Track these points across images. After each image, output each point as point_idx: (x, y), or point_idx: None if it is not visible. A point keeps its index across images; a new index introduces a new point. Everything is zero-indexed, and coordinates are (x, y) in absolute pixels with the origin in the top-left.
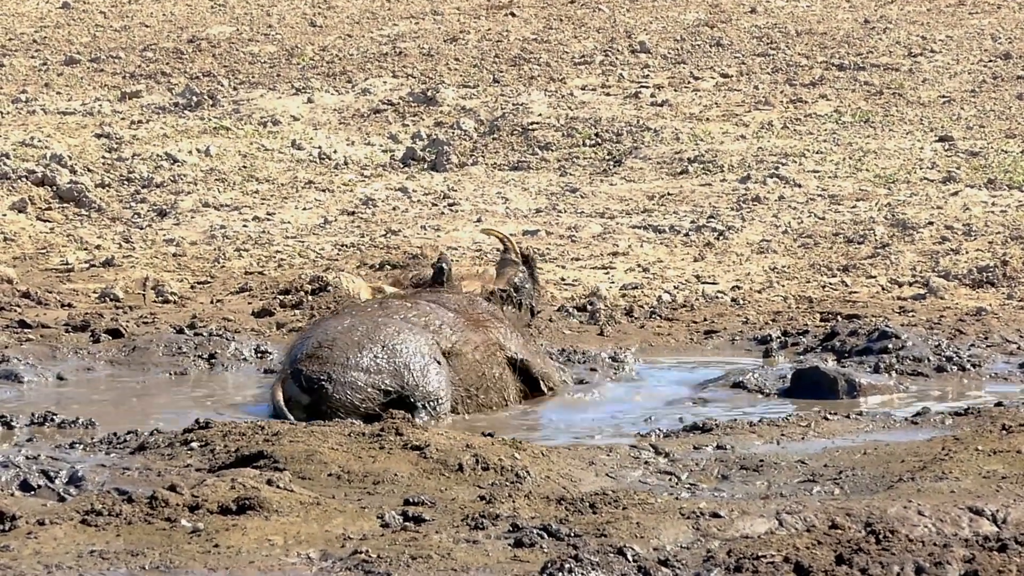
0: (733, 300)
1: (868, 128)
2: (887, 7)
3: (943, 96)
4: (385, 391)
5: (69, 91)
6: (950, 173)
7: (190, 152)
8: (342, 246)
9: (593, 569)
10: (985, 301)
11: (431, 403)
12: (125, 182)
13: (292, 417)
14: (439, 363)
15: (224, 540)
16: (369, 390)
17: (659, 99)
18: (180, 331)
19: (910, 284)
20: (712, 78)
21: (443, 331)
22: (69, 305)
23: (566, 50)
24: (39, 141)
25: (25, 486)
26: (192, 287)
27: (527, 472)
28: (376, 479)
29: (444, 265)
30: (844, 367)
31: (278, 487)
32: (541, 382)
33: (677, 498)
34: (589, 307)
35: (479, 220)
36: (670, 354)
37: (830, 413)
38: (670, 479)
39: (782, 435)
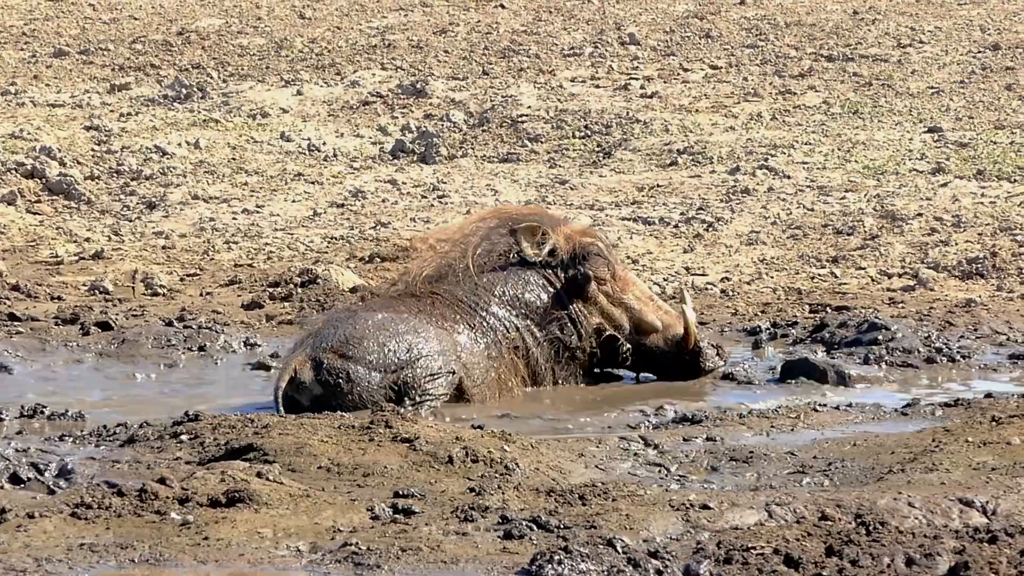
0: (722, 291)
1: (857, 119)
2: None
3: (932, 87)
4: (398, 394)
5: (58, 83)
6: (939, 164)
7: (179, 144)
8: (331, 238)
9: (583, 561)
10: (974, 292)
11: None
12: (114, 174)
13: (283, 409)
14: (454, 372)
15: (214, 533)
16: (384, 390)
17: (648, 91)
18: (169, 324)
19: (899, 275)
20: (701, 70)
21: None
22: (59, 298)
23: (555, 42)
24: (28, 133)
25: (15, 479)
26: (181, 280)
27: (516, 464)
28: (366, 471)
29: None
30: (834, 358)
31: (268, 480)
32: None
33: (667, 490)
34: None
35: (469, 212)
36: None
37: (820, 404)
38: (660, 471)
39: (772, 427)
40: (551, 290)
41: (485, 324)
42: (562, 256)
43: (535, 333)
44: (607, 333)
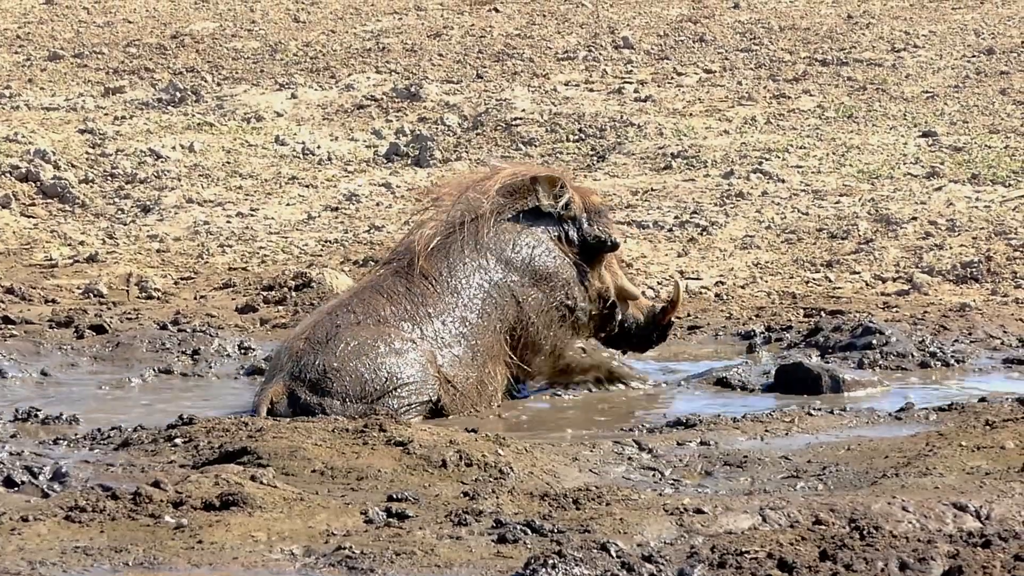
0: (717, 295)
1: (851, 123)
2: (870, 2)
3: (926, 91)
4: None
5: (53, 87)
6: (934, 168)
7: (174, 148)
8: (326, 242)
9: (576, 565)
10: (969, 297)
11: None
12: (109, 178)
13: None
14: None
15: (208, 536)
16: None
17: (642, 95)
18: (164, 327)
19: (894, 280)
20: (695, 74)
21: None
22: (53, 301)
23: (549, 46)
24: (23, 137)
25: (8, 482)
26: (176, 283)
27: (510, 468)
28: (360, 475)
29: None
30: (828, 363)
31: (262, 483)
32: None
33: (661, 494)
34: None
35: None
36: (654, 349)
37: (814, 409)
38: (653, 475)
39: (766, 431)
40: (561, 249)
41: (480, 306)
42: (575, 212)
43: (540, 300)
44: (610, 300)
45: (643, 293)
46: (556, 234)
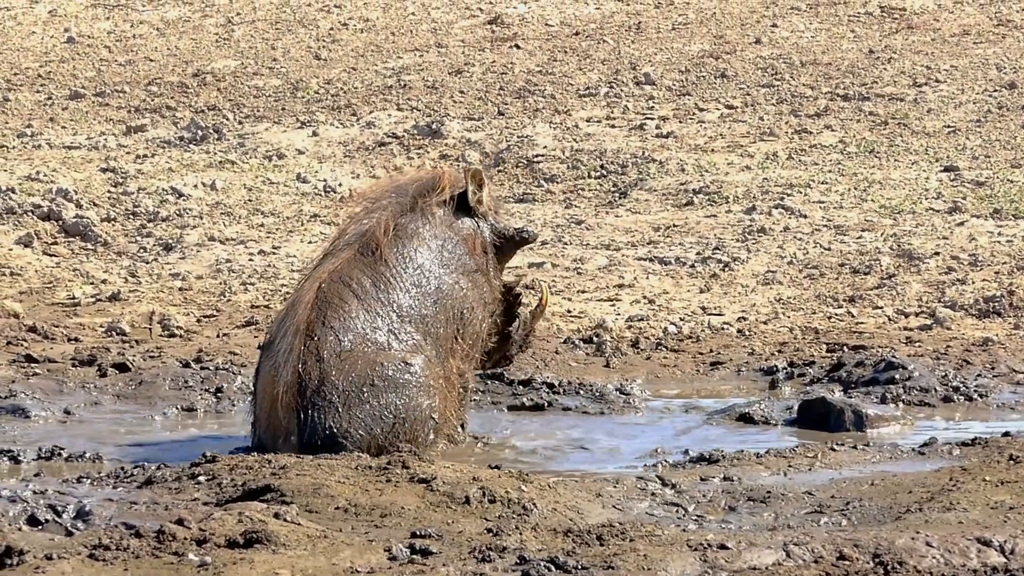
0: (739, 331)
1: (873, 158)
2: (891, 37)
3: (948, 126)
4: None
5: (74, 125)
6: (956, 203)
7: (195, 186)
8: None
9: None
10: (991, 331)
11: None
12: (131, 216)
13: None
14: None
15: (232, 574)
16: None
17: (664, 130)
18: (187, 365)
19: (916, 315)
20: (717, 109)
21: None
22: (75, 339)
23: (571, 82)
24: (44, 175)
25: (33, 520)
26: (198, 321)
27: (534, 504)
28: (383, 512)
29: None
30: (851, 398)
31: (285, 520)
32: None
33: (684, 530)
34: (595, 339)
35: None
36: (676, 385)
37: (837, 444)
38: (677, 511)
39: (789, 466)
40: (481, 247)
41: (438, 320)
42: (484, 209)
43: (477, 304)
44: (516, 292)
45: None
46: (475, 232)
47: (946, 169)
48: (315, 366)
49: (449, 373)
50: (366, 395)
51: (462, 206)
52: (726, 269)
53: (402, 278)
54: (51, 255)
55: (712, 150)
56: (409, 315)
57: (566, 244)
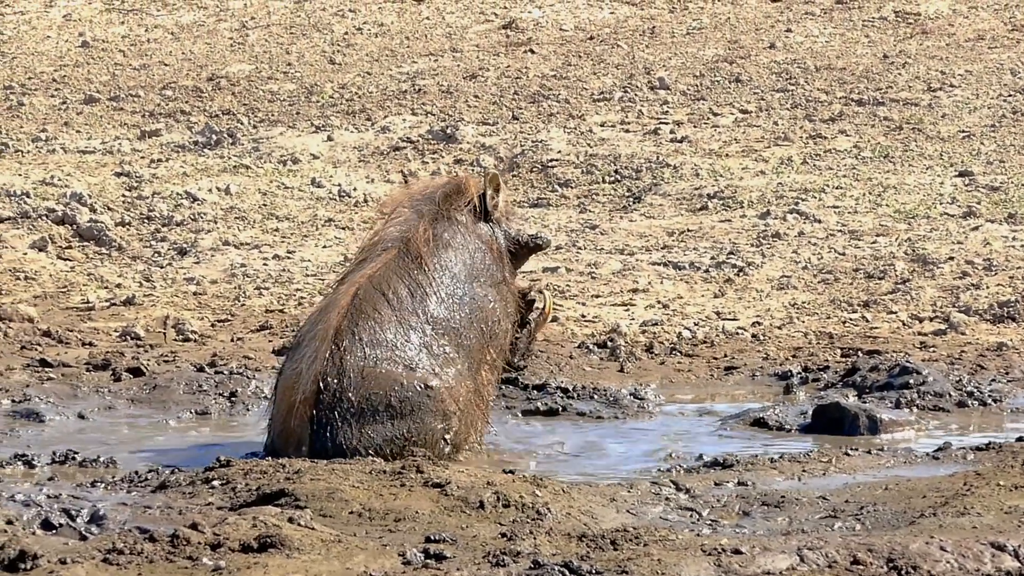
0: (753, 336)
1: (888, 163)
2: (906, 42)
3: (963, 131)
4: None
5: (89, 130)
6: (970, 208)
7: (210, 190)
8: None
9: None
10: (1006, 336)
11: None
12: (145, 220)
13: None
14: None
15: None
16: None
17: (678, 135)
18: (201, 369)
19: (931, 319)
20: (731, 114)
21: None
22: (90, 344)
23: (585, 87)
24: (59, 180)
25: (47, 525)
26: (213, 325)
27: (548, 509)
28: (397, 516)
29: None
30: (865, 403)
31: (299, 525)
32: None
33: (698, 534)
34: (609, 344)
35: None
36: (690, 390)
37: (851, 449)
38: (691, 515)
39: (803, 471)
40: (499, 253)
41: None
42: (499, 215)
43: (503, 314)
44: (530, 299)
45: None
46: (493, 238)
47: (961, 174)
48: (335, 379)
49: (479, 386)
50: (381, 415)
51: (481, 212)
52: (740, 274)
53: (439, 288)
54: (65, 259)
55: (726, 155)
56: (444, 327)
57: (580, 249)
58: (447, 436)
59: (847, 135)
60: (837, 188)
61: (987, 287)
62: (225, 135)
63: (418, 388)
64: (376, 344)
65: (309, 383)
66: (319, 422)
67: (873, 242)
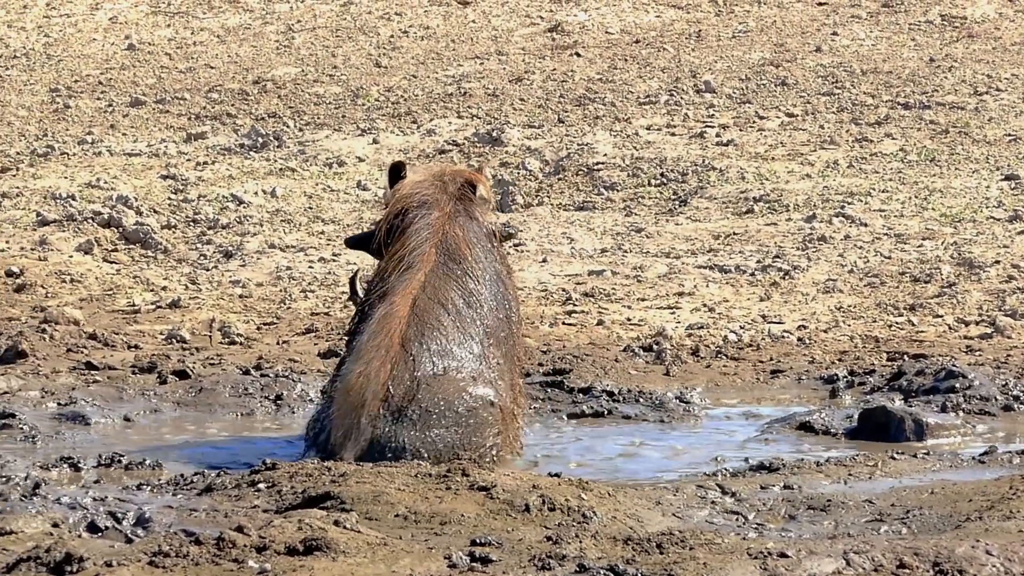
0: (799, 340)
1: (934, 167)
2: (952, 46)
3: (1009, 134)
4: None
5: (135, 132)
6: (1016, 212)
7: (256, 193)
8: None
9: None
10: None
11: None
12: (191, 223)
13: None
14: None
15: None
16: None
17: (724, 138)
18: (246, 372)
19: (977, 323)
20: (777, 117)
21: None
22: (136, 347)
23: (631, 90)
24: (105, 183)
25: (92, 527)
26: (258, 328)
27: (593, 512)
28: (443, 520)
29: None
30: (911, 407)
31: (345, 528)
32: None
33: (744, 538)
34: (655, 347)
35: (544, 260)
36: (736, 394)
37: (897, 453)
38: (737, 519)
39: (849, 474)
40: (501, 250)
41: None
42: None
43: (520, 310)
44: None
45: None
46: (491, 230)
47: (1007, 178)
48: (406, 381)
49: (517, 393)
50: (447, 421)
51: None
52: (786, 277)
53: (484, 293)
54: (111, 262)
55: (772, 158)
56: (493, 333)
57: (626, 252)
58: (494, 451)
59: (893, 139)
60: (883, 192)
61: None
62: (271, 138)
63: (482, 402)
64: (444, 356)
65: (379, 386)
66: (386, 420)
67: (919, 246)
